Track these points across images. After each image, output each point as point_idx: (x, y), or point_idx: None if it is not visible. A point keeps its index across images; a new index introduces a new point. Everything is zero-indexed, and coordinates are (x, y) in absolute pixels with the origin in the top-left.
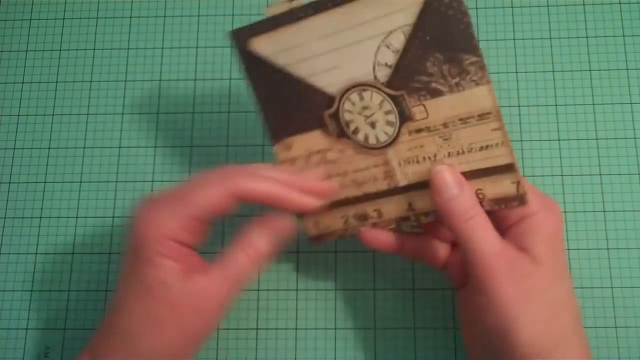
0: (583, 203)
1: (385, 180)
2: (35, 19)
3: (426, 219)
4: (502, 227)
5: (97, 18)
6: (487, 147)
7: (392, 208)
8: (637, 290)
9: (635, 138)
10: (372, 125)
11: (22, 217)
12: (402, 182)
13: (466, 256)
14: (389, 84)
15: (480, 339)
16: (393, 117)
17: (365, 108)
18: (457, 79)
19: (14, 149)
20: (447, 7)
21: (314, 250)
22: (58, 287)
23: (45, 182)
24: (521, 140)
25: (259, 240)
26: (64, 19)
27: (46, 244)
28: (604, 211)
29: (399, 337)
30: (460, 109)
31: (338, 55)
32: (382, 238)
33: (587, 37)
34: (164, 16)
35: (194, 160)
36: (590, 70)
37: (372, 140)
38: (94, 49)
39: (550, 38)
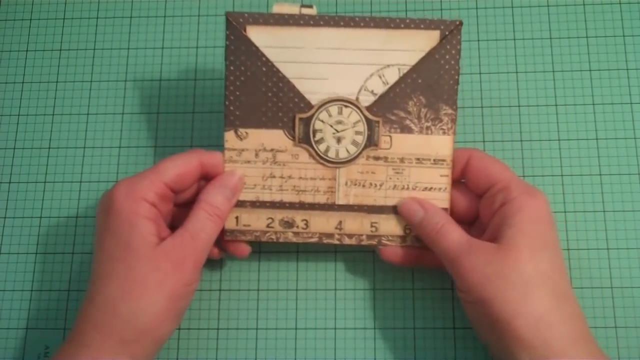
0: (583, 203)
1: (326, 194)
2: (35, 19)
3: (349, 240)
4: (488, 213)
5: (97, 18)
6: (430, 189)
7: (321, 222)
8: (637, 290)
9: (635, 138)
10: (338, 140)
11: (22, 217)
12: (341, 201)
13: (441, 260)
14: (368, 109)
15: (484, 333)
16: (360, 139)
17: (339, 122)
18: (429, 124)
19: (14, 148)
20: (446, 62)
21: (314, 250)
22: (58, 287)
23: (45, 182)
24: (521, 140)
25: (215, 198)
26: (64, 19)
27: (46, 243)
28: (604, 211)
29: (398, 337)
30: (421, 150)
31: (331, 69)
32: (401, 252)
33: (587, 37)
34: (164, 16)
35: None
36: (590, 70)
37: (331, 154)
38: (94, 49)
39: (550, 38)
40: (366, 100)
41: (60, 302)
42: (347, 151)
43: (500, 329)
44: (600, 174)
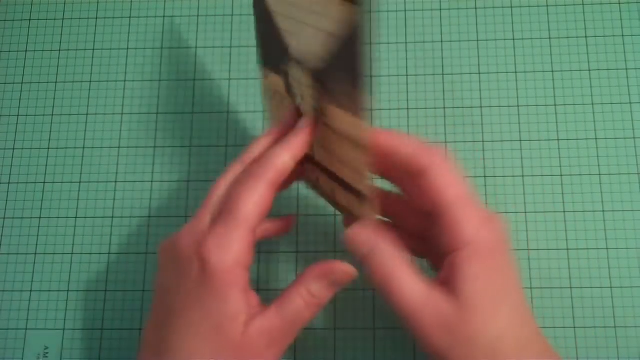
0: (583, 203)
1: (310, 148)
2: (35, 19)
3: (323, 195)
4: (440, 252)
5: (97, 18)
6: (360, 173)
7: (310, 170)
8: (637, 290)
9: (635, 138)
10: (302, 98)
11: (22, 217)
12: (317, 157)
13: (392, 308)
14: (315, 75)
15: None
16: (313, 103)
17: (299, 82)
18: (353, 104)
19: (14, 149)
20: (355, 36)
21: (314, 250)
22: (57, 288)
23: (45, 182)
24: (520, 140)
25: (316, 287)
26: (63, 19)
27: (46, 244)
28: (603, 211)
29: (398, 337)
30: (352, 130)
31: (297, 25)
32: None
33: (586, 37)
34: (164, 16)
35: (193, 160)
36: (589, 70)
37: (303, 111)
38: (94, 49)
39: (550, 38)
40: (315, 64)
41: (60, 302)
42: (308, 112)
43: None
44: (600, 174)
